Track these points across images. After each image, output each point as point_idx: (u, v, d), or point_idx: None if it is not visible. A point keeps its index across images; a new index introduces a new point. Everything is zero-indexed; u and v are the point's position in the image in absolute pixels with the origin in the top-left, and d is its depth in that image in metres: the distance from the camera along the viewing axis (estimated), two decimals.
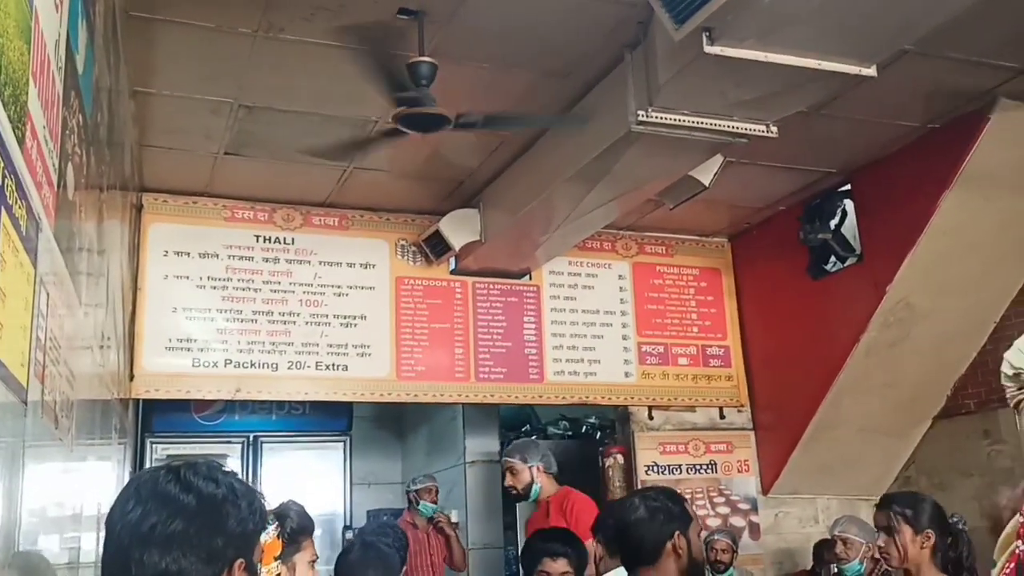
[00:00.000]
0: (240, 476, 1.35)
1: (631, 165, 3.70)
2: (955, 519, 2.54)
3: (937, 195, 4.36)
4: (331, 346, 4.80)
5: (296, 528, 2.18)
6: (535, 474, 4.09)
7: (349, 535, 6.07)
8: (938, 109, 4.18)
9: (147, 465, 5.72)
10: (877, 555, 2.62)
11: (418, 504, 5.13)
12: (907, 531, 2.47)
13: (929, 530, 2.48)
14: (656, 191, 4.28)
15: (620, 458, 5.48)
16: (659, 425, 5.47)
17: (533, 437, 6.88)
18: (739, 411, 5.63)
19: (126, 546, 1.24)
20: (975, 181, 4.30)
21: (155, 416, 5.94)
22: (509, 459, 4.14)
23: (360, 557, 2.54)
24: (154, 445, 6.01)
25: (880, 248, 4.72)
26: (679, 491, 2.35)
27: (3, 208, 1.24)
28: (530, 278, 5.34)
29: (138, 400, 4.71)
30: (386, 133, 3.73)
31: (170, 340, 4.57)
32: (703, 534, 3.55)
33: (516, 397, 5.19)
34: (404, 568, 2.65)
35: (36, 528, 1.57)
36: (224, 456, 6.15)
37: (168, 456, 5.86)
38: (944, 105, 4.14)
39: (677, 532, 2.11)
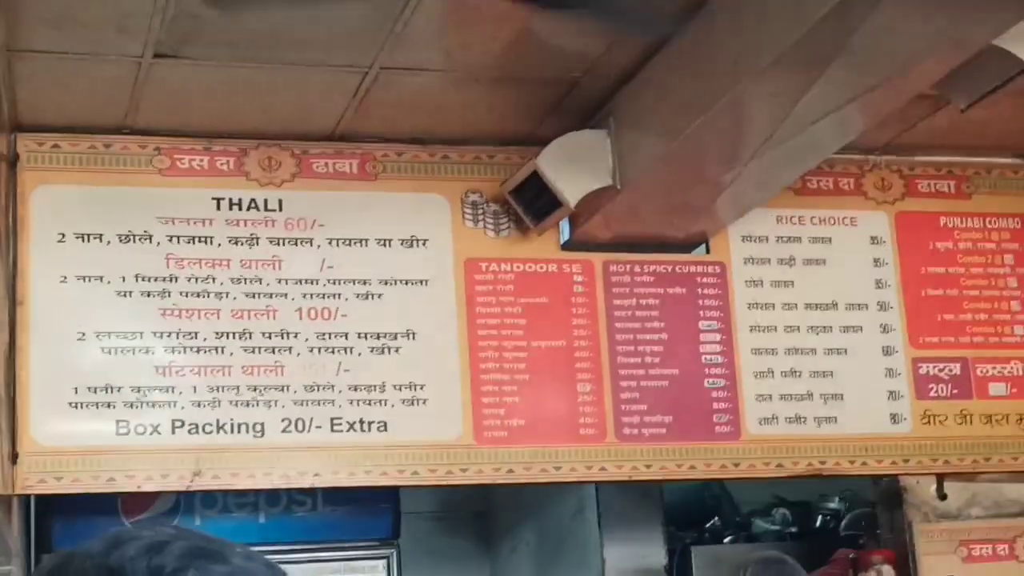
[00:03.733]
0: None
1: (883, 34, 3.65)
2: None
3: None
4: (356, 388, 4.85)
5: None
6: None
7: None
8: None
9: None
10: None
11: None
12: None
13: None
14: (933, 80, 4.19)
15: (888, 571, 5.42)
16: (958, 509, 5.40)
17: (728, 539, 6.88)
18: None
19: None
20: None
21: (57, 522, 6.08)
22: None
23: None
24: None
25: None
26: None
27: None
28: (707, 251, 5.30)
29: (27, 497, 4.81)
30: None
31: (77, 390, 4.66)
32: None
33: (692, 468, 5.16)
34: None
35: None
36: None
37: None
38: None
39: None
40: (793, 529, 6.78)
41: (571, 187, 4.78)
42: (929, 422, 5.34)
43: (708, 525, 6.84)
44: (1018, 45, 4.02)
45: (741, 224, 5.29)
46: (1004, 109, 4.88)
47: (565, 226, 5.12)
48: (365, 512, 6.54)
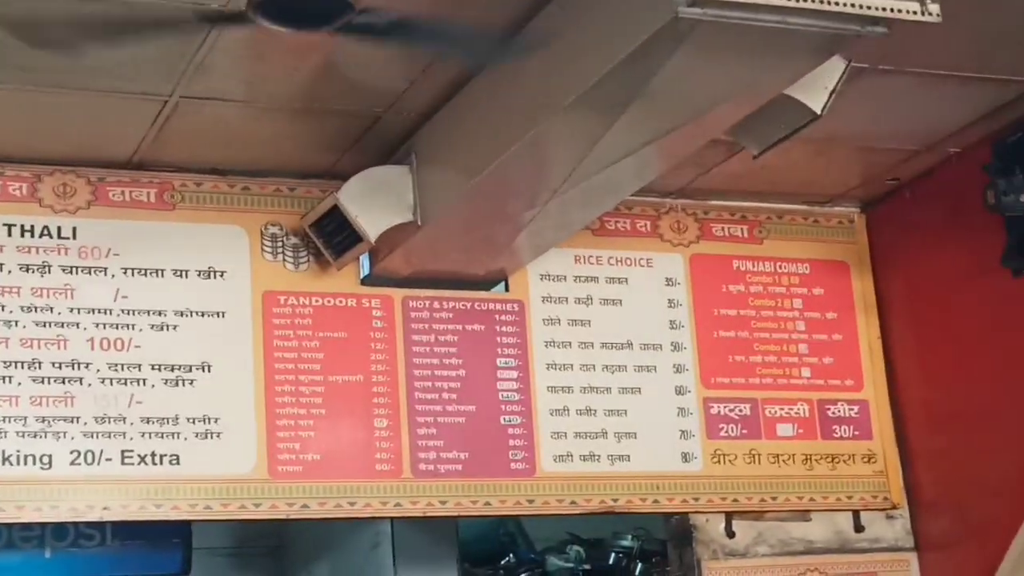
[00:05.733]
0: None
1: (680, 79, 3.69)
2: None
3: None
4: (148, 421, 4.76)
5: None
6: None
7: None
8: None
9: None
10: None
11: None
12: None
13: None
14: (727, 126, 4.27)
15: None
16: (746, 547, 5.47)
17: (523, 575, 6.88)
18: (888, 517, 5.65)
19: None
20: None
21: None
22: None
23: None
24: None
25: None
26: None
27: None
28: (506, 288, 5.33)
29: None
30: (226, 18, 3.69)
31: None
32: None
33: (487, 504, 5.17)
34: None
35: None
36: None
37: None
38: None
39: None
40: (587, 566, 6.81)
41: (372, 222, 4.77)
42: (719, 461, 5.42)
43: (503, 562, 6.84)
44: (808, 95, 4.10)
45: (540, 263, 5.33)
46: (795, 157, 5.00)
47: (365, 261, 5.11)
48: (155, 547, 6.42)
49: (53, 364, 4.72)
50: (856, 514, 5.60)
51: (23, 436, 4.63)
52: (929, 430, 5.63)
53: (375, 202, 4.78)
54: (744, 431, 5.49)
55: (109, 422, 4.72)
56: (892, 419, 5.70)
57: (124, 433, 4.72)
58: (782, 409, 5.56)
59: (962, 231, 5.36)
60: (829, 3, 3.34)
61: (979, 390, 5.36)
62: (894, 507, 5.64)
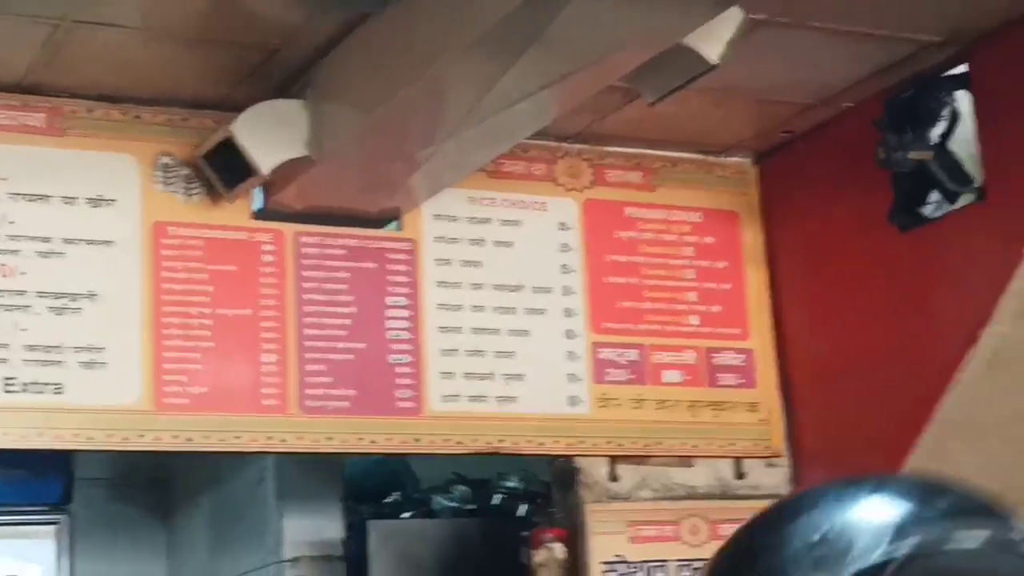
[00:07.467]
0: None
1: (578, 24, 3.73)
2: None
3: None
4: (32, 348, 4.73)
5: None
6: None
7: None
8: None
9: None
10: None
11: None
12: None
13: None
14: (624, 72, 4.30)
15: (560, 549, 5.51)
16: (629, 491, 5.53)
17: (407, 514, 6.92)
18: (770, 465, 5.73)
19: None
20: None
21: None
22: None
23: None
24: None
25: (1018, 177, 4.83)
26: None
27: None
28: (399, 227, 5.34)
29: None
30: None
31: None
32: None
33: (374, 442, 5.20)
34: None
35: None
36: None
37: None
38: None
39: None
40: (472, 506, 6.85)
41: (265, 155, 4.75)
42: (605, 406, 5.48)
43: (387, 500, 6.86)
44: (704, 44, 4.16)
45: (434, 203, 5.34)
46: (691, 106, 5.04)
47: (259, 194, 5.10)
48: (36, 476, 6.39)
49: None
50: (738, 461, 5.69)
51: None
52: (813, 381, 5.72)
53: (269, 135, 4.76)
54: (631, 376, 5.55)
55: None
56: (777, 369, 5.79)
57: (7, 360, 4.69)
58: (669, 356, 5.62)
59: (853, 186, 5.44)
60: None
61: (863, 343, 5.45)
62: (775, 455, 5.73)
